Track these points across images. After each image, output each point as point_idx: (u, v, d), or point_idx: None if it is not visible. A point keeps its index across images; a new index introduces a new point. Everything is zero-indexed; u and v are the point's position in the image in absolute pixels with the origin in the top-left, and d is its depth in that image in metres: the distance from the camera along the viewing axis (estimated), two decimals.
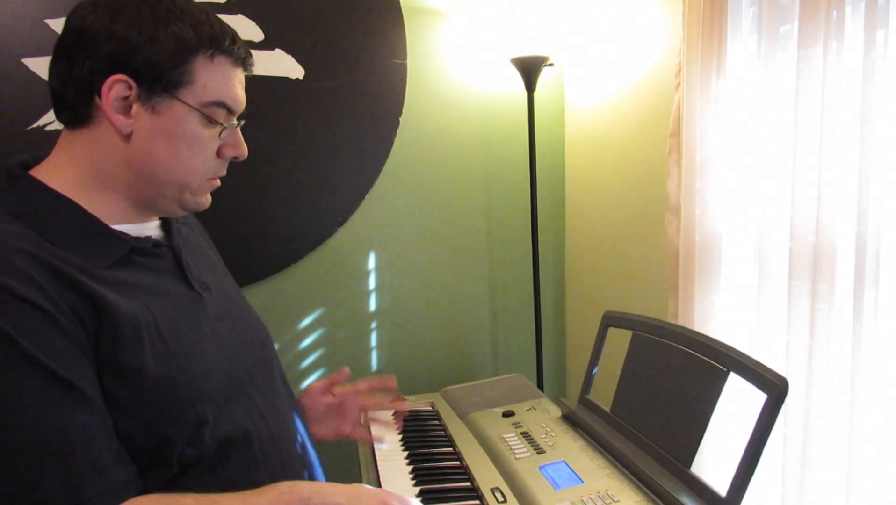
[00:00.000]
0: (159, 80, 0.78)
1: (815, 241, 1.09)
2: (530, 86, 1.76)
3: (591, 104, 1.86)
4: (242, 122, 0.88)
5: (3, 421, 0.67)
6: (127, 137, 0.79)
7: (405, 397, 1.56)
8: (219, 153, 0.86)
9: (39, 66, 1.51)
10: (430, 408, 1.48)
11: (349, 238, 1.84)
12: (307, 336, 1.83)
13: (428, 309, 1.94)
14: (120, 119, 0.78)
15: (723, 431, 1.21)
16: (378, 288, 1.89)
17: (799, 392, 1.11)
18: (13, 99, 1.50)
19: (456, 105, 1.89)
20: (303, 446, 0.98)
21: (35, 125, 1.52)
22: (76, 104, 0.79)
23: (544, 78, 1.82)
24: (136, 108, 0.79)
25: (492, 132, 1.94)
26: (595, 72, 1.83)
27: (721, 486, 0.89)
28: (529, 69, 1.73)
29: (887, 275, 1.03)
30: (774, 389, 0.86)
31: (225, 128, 0.85)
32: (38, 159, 0.83)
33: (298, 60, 1.70)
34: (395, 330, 1.91)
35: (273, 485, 0.81)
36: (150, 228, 0.88)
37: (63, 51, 0.79)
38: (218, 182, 0.90)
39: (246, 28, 1.64)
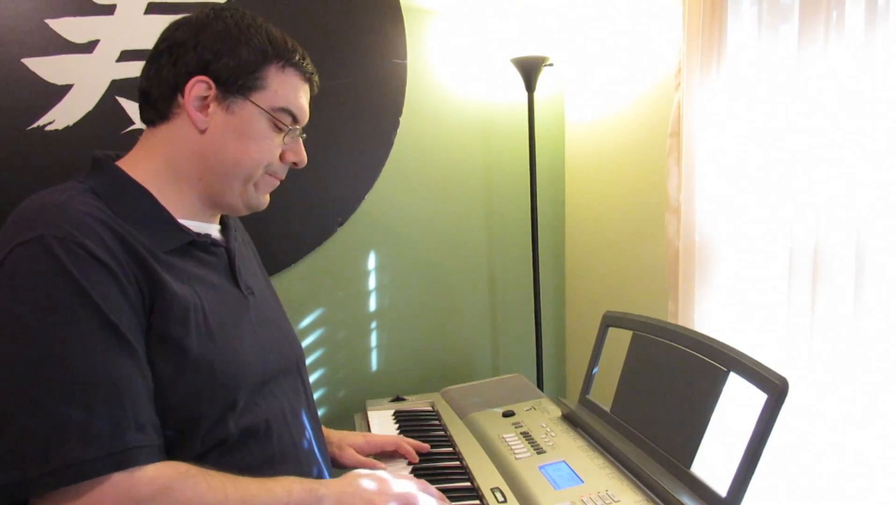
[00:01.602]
0: (235, 82, 0.88)
1: (815, 240, 1.09)
2: (530, 86, 1.76)
3: (591, 104, 1.86)
4: (304, 135, 0.97)
5: (63, 353, 0.73)
6: (202, 133, 0.89)
7: (405, 398, 1.56)
8: (281, 158, 0.95)
9: (39, 66, 1.51)
10: (430, 408, 1.48)
11: (349, 238, 1.84)
12: (307, 336, 1.83)
13: (428, 309, 1.93)
14: (198, 116, 0.88)
15: (723, 431, 1.21)
16: (378, 288, 1.89)
17: (799, 392, 1.11)
18: (13, 99, 1.50)
19: (456, 105, 1.89)
20: (312, 443, 1.01)
21: (35, 125, 1.52)
22: (159, 102, 0.89)
23: (544, 78, 1.81)
24: (212, 106, 0.89)
25: (492, 132, 1.94)
26: (595, 72, 1.83)
27: (721, 486, 0.89)
28: (529, 69, 1.73)
29: (887, 275, 1.03)
30: (774, 388, 0.85)
31: (289, 133, 0.94)
32: (120, 156, 0.92)
33: None
34: (395, 330, 1.91)
35: (288, 477, 0.86)
36: (211, 229, 0.96)
37: (154, 58, 0.90)
38: (277, 182, 0.98)
39: None
